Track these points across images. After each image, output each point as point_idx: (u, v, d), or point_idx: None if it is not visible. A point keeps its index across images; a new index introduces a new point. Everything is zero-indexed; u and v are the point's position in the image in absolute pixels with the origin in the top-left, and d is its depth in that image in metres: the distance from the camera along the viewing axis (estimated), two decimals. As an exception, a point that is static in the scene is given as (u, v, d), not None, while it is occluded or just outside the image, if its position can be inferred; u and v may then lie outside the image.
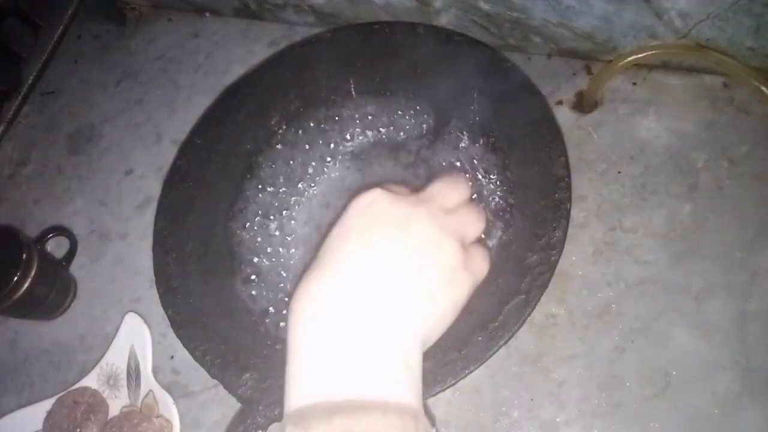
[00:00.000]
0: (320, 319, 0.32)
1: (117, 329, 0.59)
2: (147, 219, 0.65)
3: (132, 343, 0.58)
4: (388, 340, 0.31)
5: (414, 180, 0.57)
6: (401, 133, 0.59)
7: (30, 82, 0.77)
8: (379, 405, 0.29)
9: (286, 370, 0.31)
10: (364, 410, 0.29)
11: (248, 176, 0.60)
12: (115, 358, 0.58)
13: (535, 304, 0.48)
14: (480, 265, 0.38)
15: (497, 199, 0.54)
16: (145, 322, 0.59)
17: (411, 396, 0.31)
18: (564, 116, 0.57)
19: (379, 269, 0.33)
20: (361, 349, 0.31)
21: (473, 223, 0.39)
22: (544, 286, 0.48)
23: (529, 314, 0.48)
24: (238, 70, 0.69)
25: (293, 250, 0.57)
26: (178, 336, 0.54)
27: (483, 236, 0.38)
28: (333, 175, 0.59)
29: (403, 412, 0.29)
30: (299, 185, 0.59)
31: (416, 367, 0.32)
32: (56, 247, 0.67)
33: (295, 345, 0.32)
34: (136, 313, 0.60)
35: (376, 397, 0.29)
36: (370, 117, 0.60)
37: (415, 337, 0.32)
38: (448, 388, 0.45)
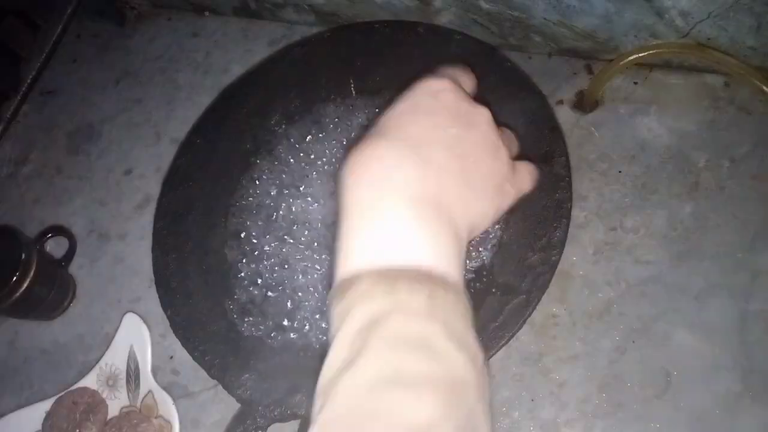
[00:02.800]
0: (385, 185, 0.31)
1: (116, 329, 0.59)
2: (146, 219, 0.64)
3: (131, 344, 0.58)
4: (446, 220, 0.32)
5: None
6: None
7: (29, 81, 0.77)
8: (442, 280, 0.30)
9: (348, 232, 0.31)
10: (436, 283, 0.30)
11: (248, 176, 0.60)
12: (115, 358, 0.58)
13: (536, 305, 0.48)
14: (525, 180, 0.38)
15: (497, 199, 0.54)
16: (145, 322, 0.59)
17: (459, 275, 0.31)
18: (564, 116, 0.57)
19: (442, 153, 0.33)
20: (424, 223, 0.31)
21: (515, 142, 0.40)
22: (545, 286, 0.48)
23: (530, 314, 0.48)
24: (237, 70, 0.69)
25: (293, 249, 0.56)
26: (178, 336, 0.54)
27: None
28: (333, 175, 0.59)
29: (460, 290, 0.31)
30: (299, 185, 0.59)
31: (464, 250, 0.33)
32: (55, 247, 0.66)
33: (357, 205, 0.32)
34: (135, 313, 0.60)
35: (438, 271, 0.30)
36: (370, 116, 0.60)
37: (466, 224, 0.33)
38: (448, 388, 0.45)
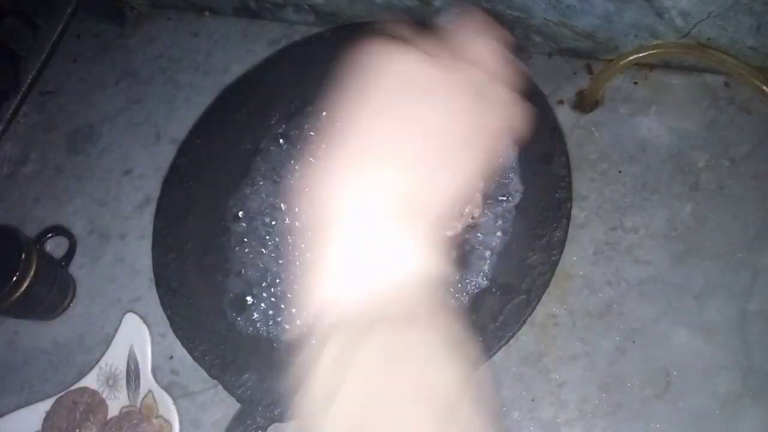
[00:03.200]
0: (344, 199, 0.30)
1: (116, 329, 0.59)
2: (146, 219, 0.64)
3: (131, 344, 0.58)
4: (407, 225, 0.31)
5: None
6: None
7: (29, 81, 0.77)
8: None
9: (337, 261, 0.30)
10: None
11: (248, 176, 0.60)
12: (115, 358, 0.58)
13: (536, 304, 0.48)
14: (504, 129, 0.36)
15: (498, 199, 0.54)
16: (145, 322, 0.59)
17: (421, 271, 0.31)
18: (565, 115, 0.57)
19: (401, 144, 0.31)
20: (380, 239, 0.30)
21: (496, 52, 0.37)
22: (545, 285, 0.48)
23: (530, 314, 0.48)
24: (237, 70, 0.69)
25: (293, 248, 0.56)
26: (178, 336, 0.54)
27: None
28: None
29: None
30: (299, 185, 0.59)
31: (429, 241, 0.32)
32: (55, 246, 0.66)
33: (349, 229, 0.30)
34: (135, 313, 0.60)
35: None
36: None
37: (432, 212, 0.32)
38: (448, 388, 0.45)
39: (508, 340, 0.48)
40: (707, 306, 0.48)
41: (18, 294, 0.57)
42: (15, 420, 0.58)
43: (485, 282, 0.51)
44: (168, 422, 0.54)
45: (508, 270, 0.51)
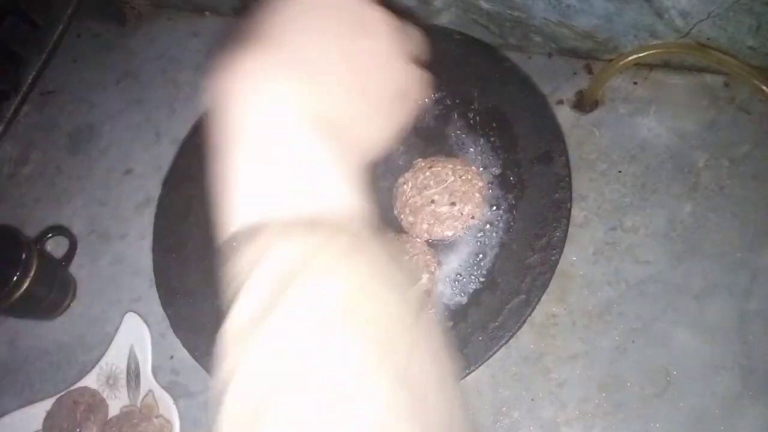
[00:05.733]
0: (277, 110, 0.27)
1: (117, 329, 0.59)
2: (146, 219, 0.64)
3: (132, 343, 0.58)
4: (346, 145, 0.29)
5: (403, 183, 0.56)
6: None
7: (29, 81, 0.77)
8: (356, 220, 0.27)
9: (246, 169, 0.28)
10: (350, 225, 0.27)
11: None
12: (115, 358, 0.58)
13: (536, 304, 0.48)
14: (417, 86, 0.34)
15: (497, 199, 0.54)
16: (145, 322, 0.59)
17: (368, 208, 0.28)
18: (564, 115, 0.57)
19: (335, 66, 0.29)
20: (327, 156, 0.28)
21: (416, 40, 0.35)
22: (545, 285, 0.48)
23: (530, 314, 0.48)
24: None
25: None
26: (178, 336, 0.54)
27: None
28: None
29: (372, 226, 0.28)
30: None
31: (365, 174, 0.29)
32: (55, 246, 0.67)
33: (248, 136, 0.28)
34: (135, 313, 0.60)
35: (352, 211, 0.27)
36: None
37: (366, 145, 0.30)
38: (448, 388, 0.45)
39: (508, 339, 0.48)
40: (707, 306, 0.48)
41: (18, 294, 0.57)
42: (16, 419, 0.58)
43: (485, 282, 0.51)
44: (168, 422, 0.54)
45: (508, 270, 0.51)
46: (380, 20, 0.31)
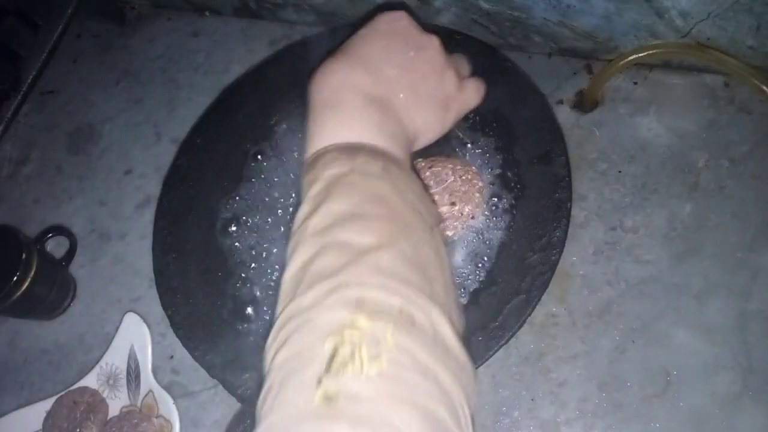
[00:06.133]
0: (342, 87, 0.38)
1: (117, 329, 0.59)
2: (147, 219, 0.64)
3: (132, 343, 0.58)
4: (394, 118, 0.38)
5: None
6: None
7: (29, 81, 0.77)
8: (395, 159, 0.36)
9: (314, 122, 0.38)
10: (390, 159, 0.36)
11: (248, 176, 0.60)
12: (115, 358, 0.58)
13: (536, 304, 0.48)
14: (472, 96, 0.43)
15: (497, 199, 0.54)
16: (145, 321, 0.59)
17: (409, 162, 0.38)
18: (564, 115, 0.57)
19: (393, 68, 0.39)
20: (376, 116, 0.37)
21: (465, 65, 0.45)
22: (545, 285, 0.48)
23: (530, 314, 0.48)
24: (237, 70, 0.69)
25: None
26: (178, 336, 0.54)
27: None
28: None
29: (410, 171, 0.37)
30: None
31: (411, 151, 0.40)
32: (56, 246, 0.67)
33: (320, 103, 0.38)
34: (135, 312, 0.60)
35: (391, 152, 0.37)
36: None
37: (412, 128, 0.39)
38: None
39: (508, 339, 0.48)
40: (707, 305, 0.49)
41: (18, 294, 0.57)
42: (16, 419, 0.58)
43: (485, 281, 0.51)
44: (168, 422, 0.54)
45: (508, 270, 0.51)
46: (435, 41, 0.41)
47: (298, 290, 0.30)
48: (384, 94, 0.38)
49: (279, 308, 0.31)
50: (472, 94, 0.43)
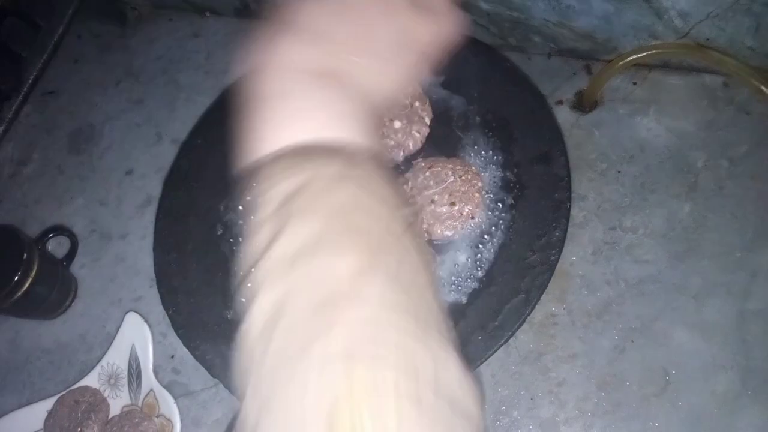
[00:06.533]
0: (284, 73, 0.33)
1: (118, 329, 0.60)
2: (147, 219, 0.65)
3: (133, 343, 0.58)
4: (350, 91, 0.33)
5: (403, 183, 0.57)
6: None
7: (30, 81, 0.77)
8: (354, 149, 0.32)
9: (255, 120, 0.33)
10: (348, 152, 0.31)
11: (248, 176, 0.60)
12: (116, 357, 0.58)
13: (535, 304, 0.48)
14: (436, 25, 0.36)
15: (497, 199, 0.54)
16: (146, 321, 0.59)
17: (369, 141, 0.33)
18: (564, 116, 0.57)
19: (333, 24, 0.34)
20: (329, 101, 0.32)
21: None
22: (544, 285, 0.49)
23: (529, 314, 0.48)
24: (238, 70, 0.69)
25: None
26: (179, 335, 0.55)
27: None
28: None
29: (372, 155, 0.32)
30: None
31: (375, 114, 0.34)
32: (57, 246, 0.67)
33: (263, 96, 0.33)
34: (136, 312, 0.60)
35: (350, 143, 0.32)
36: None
37: (373, 89, 0.34)
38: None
39: (508, 339, 0.48)
40: (706, 305, 0.49)
41: (20, 294, 0.57)
42: (17, 419, 0.58)
43: (485, 281, 0.51)
44: (169, 421, 0.54)
45: (508, 269, 0.51)
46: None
47: (266, 362, 0.26)
48: (328, 65, 0.33)
49: (248, 391, 0.26)
50: (426, 31, 0.36)
